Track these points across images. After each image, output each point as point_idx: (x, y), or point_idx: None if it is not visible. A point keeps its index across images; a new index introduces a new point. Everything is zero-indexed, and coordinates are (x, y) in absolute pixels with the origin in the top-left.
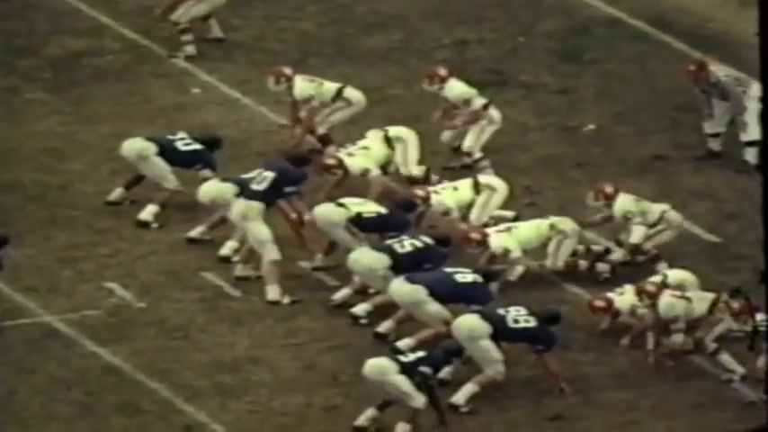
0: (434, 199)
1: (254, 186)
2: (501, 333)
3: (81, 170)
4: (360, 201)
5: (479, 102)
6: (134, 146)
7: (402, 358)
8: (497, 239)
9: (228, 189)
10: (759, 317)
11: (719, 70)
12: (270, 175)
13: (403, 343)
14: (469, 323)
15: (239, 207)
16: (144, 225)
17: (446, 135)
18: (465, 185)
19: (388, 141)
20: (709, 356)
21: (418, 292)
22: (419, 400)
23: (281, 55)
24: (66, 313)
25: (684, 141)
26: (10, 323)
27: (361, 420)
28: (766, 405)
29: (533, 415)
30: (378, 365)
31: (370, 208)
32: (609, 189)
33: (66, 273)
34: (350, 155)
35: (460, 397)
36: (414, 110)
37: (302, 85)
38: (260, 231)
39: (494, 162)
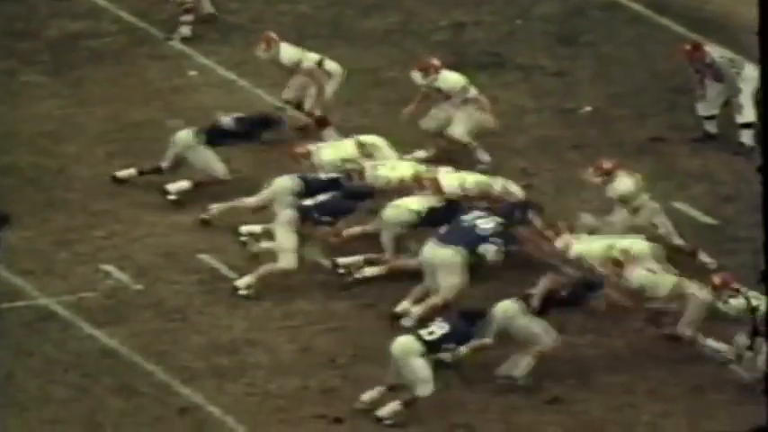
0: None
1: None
2: None
3: (77, 153)
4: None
5: (473, 90)
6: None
7: (427, 337)
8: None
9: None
10: (755, 299)
11: (714, 51)
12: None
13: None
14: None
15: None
16: (164, 193)
17: (428, 122)
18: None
19: (361, 147)
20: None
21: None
22: (427, 388)
23: (278, 37)
24: (63, 295)
25: (681, 123)
26: (7, 306)
27: (366, 398)
28: (766, 405)
29: (531, 398)
30: (404, 344)
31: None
32: (607, 165)
33: (62, 255)
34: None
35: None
36: (411, 92)
37: (290, 51)
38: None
39: (490, 144)
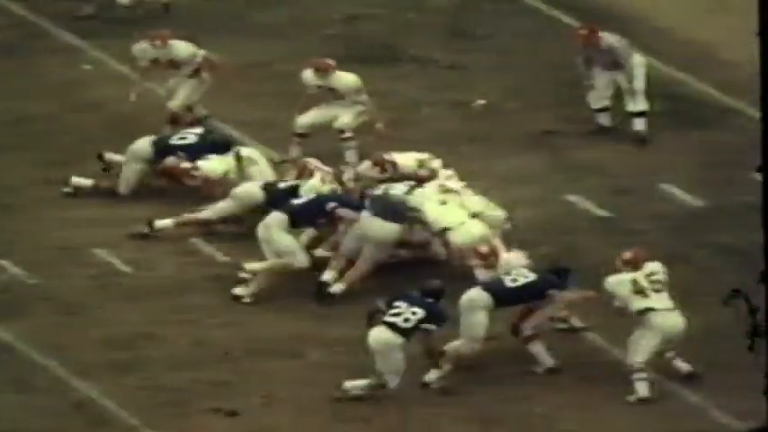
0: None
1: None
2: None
3: None
4: None
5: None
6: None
7: (402, 325)
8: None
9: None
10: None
11: (610, 37)
12: None
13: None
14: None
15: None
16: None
17: (303, 120)
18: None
19: (239, 160)
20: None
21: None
22: (395, 381)
23: (173, 30)
24: None
25: (575, 116)
26: None
27: (348, 386)
28: (766, 405)
29: (425, 390)
30: (384, 338)
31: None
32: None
33: None
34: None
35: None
36: (302, 86)
37: (182, 46)
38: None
39: (385, 137)
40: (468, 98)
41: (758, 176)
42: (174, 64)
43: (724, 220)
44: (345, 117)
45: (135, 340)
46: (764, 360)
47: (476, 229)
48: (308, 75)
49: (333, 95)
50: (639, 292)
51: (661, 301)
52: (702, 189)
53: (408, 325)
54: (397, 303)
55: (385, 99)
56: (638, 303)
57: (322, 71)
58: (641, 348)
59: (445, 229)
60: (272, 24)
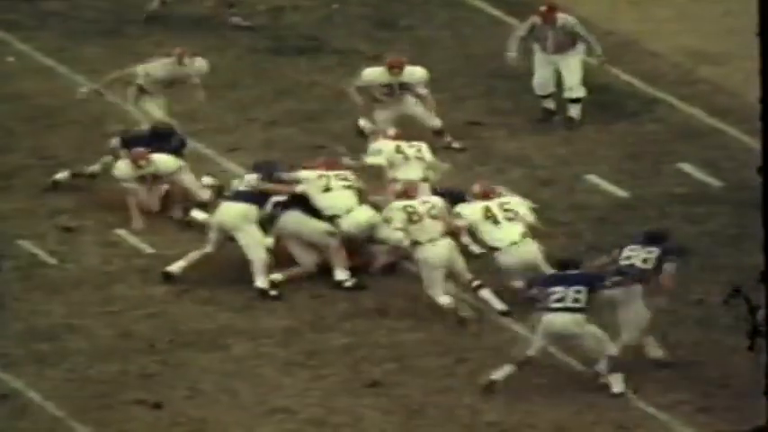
0: None
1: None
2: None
3: None
4: None
5: None
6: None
7: (574, 305)
8: None
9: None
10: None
11: (567, 16)
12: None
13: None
14: None
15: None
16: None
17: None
18: None
19: None
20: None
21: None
22: (613, 348)
23: (97, 23)
24: None
25: (499, 107)
26: None
27: (497, 376)
28: (766, 405)
29: (351, 382)
30: (573, 320)
31: None
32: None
33: None
34: None
35: None
36: (228, 77)
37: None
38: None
39: (308, 129)
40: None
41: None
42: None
43: (648, 211)
44: (433, 120)
45: (59, 332)
46: (765, 360)
47: (363, 215)
48: (378, 73)
49: (399, 90)
50: (491, 218)
51: (512, 230)
52: (627, 180)
53: (579, 305)
54: (552, 290)
55: (309, 90)
56: (489, 232)
57: (396, 69)
58: (507, 274)
59: (334, 217)
60: (197, 16)
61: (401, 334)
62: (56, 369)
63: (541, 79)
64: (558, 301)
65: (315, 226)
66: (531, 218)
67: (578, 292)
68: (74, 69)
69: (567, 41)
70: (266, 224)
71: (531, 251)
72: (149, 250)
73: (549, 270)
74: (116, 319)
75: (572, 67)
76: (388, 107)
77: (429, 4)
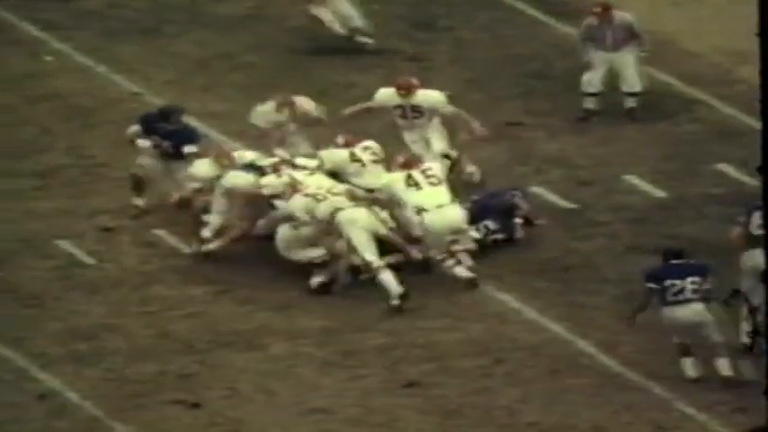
0: None
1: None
2: None
3: None
4: None
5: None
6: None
7: (695, 296)
8: None
9: None
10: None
11: (622, 13)
12: None
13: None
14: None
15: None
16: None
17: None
18: None
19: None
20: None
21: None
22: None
23: (134, 22)
24: None
25: (538, 108)
26: None
27: (691, 372)
28: (766, 405)
29: (388, 382)
30: (694, 311)
31: None
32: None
33: None
34: None
35: None
36: (266, 77)
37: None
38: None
39: (346, 129)
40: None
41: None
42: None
43: (686, 212)
44: (438, 144)
45: (97, 332)
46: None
47: (452, 213)
48: (388, 94)
49: (411, 113)
50: (414, 185)
51: (438, 194)
52: (665, 180)
53: (700, 295)
54: (670, 282)
55: (346, 91)
56: (413, 197)
57: (404, 90)
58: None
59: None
60: (235, 16)
61: (438, 334)
62: (94, 369)
63: (592, 77)
64: (678, 293)
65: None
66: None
67: (694, 282)
68: (111, 69)
69: (626, 36)
70: None
71: (458, 215)
72: (187, 250)
73: (472, 234)
74: (154, 319)
75: (630, 63)
76: (411, 129)
77: (468, 4)
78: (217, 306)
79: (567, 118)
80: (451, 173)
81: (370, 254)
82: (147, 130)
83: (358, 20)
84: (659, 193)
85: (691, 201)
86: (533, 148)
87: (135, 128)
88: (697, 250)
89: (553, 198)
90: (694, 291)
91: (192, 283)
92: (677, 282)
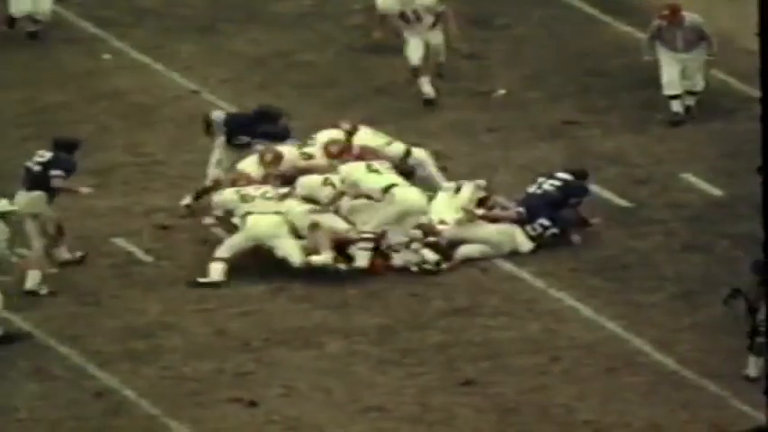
0: None
1: None
2: None
3: None
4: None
5: None
6: None
7: None
8: None
9: None
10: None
11: (691, 15)
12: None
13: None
14: None
15: None
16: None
17: None
18: None
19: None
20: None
21: None
22: None
23: (192, 20)
24: None
25: (594, 106)
26: None
27: (753, 371)
28: (766, 405)
29: (444, 380)
30: None
31: None
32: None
33: None
34: None
35: None
36: (326, 75)
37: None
38: None
39: (405, 127)
40: (488, 88)
41: None
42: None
43: (743, 210)
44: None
45: (154, 330)
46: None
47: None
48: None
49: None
50: (374, 171)
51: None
52: (722, 179)
53: None
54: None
55: (405, 89)
56: (375, 181)
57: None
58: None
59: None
60: (293, 14)
61: (495, 332)
62: (151, 367)
63: (671, 78)
64: None
65: None
66: None
67: None
68: (169, 67)
69: (696, 38)
70: None
71: (423, 197)
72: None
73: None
74: (211, 316)
75: (700, 65)
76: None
77: (524, 2)
78: (273, 304)
79: (623, 115)
80: None
81: (225, 252)
82: (239, 132)
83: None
84: (716, 192)
85: (747, 199)
86: (589, 147)
87: (218, 114)
88: (754, 249)
89: (609, 196)
90: None
91: (249, 280)
92: None
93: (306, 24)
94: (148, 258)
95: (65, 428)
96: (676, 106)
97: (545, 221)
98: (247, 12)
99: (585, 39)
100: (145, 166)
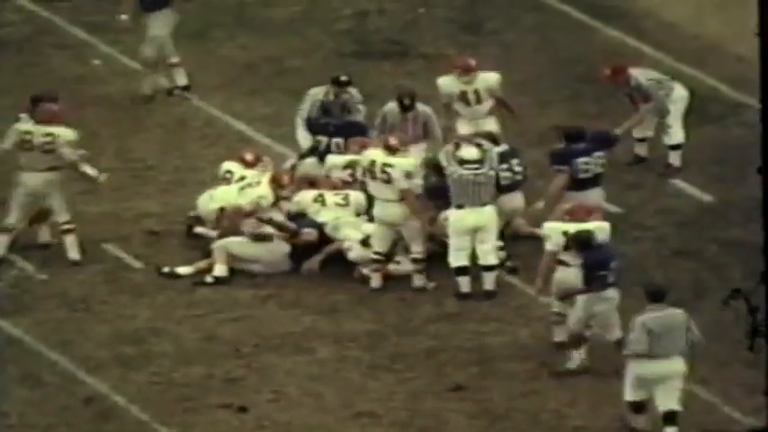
0: None
1: None
2: None
3: None
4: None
5: None
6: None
7: None
8: None
9: None
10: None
11: (641, 74)
12: None
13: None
14: None
15: None
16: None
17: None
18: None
19: None
20: None
21: None
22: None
23: (182, 26)
24: None
25: (585, 112)
26: None
27: None
28: (766, 405)
29: (435, 385)
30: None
31: None
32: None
33: None
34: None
35: None
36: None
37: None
38: None
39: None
40: None
41: None
42: None
43: (734, 216)
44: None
45: (144, 335)
46: (765, 360)
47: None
48: (448, 81)
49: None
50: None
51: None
52: (712, 184)
53: None
54: None
55: (394, 95)
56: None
57: (464, 73)
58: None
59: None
60: (282, 19)
61: (485, 337)
62: (140, 372)
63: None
64: None
65: None
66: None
67: None
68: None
69: (644, 98)
70: None
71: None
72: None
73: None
74: (201, 322)
75: (672, 113)
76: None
77: (515, 7)
78: (263, 309)
79: (613, 122)
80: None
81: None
82: (313, 131)
83: None
84: (706, 197)
85: (738, 204)
86: None
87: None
88: (744, 254)
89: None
90: None
91: (239, 286)
92: None
93: (295, 30)
94: (138, 264)
95: None
96: (638, 148)
97: None
98: (237, 18)
99: (576, 44)
100: (135, 172)
